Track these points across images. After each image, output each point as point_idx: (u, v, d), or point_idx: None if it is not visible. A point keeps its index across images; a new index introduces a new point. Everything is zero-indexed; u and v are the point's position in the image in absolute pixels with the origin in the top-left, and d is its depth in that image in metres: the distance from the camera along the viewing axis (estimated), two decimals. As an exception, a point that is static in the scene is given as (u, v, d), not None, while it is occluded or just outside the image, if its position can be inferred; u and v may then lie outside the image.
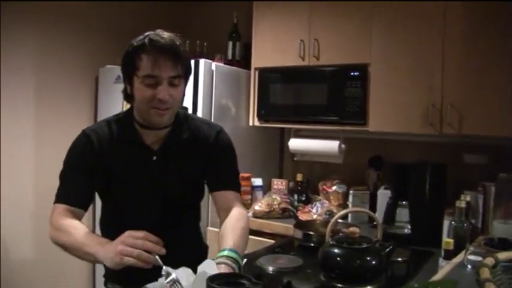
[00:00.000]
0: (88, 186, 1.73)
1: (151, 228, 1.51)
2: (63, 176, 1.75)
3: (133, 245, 1.41)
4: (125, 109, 2.23)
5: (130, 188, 1.76)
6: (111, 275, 1.88)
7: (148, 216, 1.73)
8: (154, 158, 1.77)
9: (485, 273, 1.06)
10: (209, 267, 1.45)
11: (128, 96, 1.74)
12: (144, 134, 1.76)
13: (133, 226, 1.50)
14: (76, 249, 1.58)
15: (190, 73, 1.74)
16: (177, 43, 1.66)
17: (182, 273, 1.43)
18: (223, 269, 1.50)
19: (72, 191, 1.71)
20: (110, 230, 1.70)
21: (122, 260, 1.40)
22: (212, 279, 1.24)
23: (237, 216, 1.79)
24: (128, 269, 1.53)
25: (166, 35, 1.65)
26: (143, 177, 1.76)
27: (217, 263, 1.53)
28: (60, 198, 1.72)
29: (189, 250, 1.69)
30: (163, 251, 1.43)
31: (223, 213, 1.84)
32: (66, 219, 1.65)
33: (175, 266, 1.43)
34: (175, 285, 1.39)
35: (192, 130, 1.84)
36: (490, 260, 1.14)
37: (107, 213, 1.78)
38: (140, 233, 1.44)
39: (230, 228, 1.73)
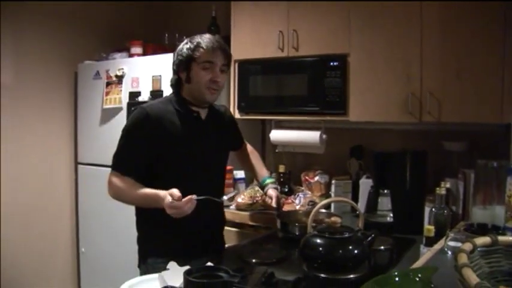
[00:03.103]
0: (144, 158, 2.08)
1: (208, 186, 2.07)
2: (122, 146, 2.10)
3: (174, 207, 1.87)
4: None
5: (189, 150, 2.13)
6: (155, 249, 2.15)
7: (201, 176, 2.14)
8: (205, 126, 2.21)
9: (463, 258, 1.07)
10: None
11: (178, 83, 2.17)
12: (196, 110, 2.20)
13: (194, 185, 1.98)
14: (139, 204, 2.14)
15: (231, 63, 2.25)
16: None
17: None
18: (275, 191, 2.45)
19: (129, 163, 2.08)
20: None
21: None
22: (189, 272, 1.24)
23: (252, 150, 2.69)
24: (174, 245, 2.06)
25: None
26: (199, 141, 2.17)
27: (270, 187, 2.47)
28: (118, 167, 2.09)
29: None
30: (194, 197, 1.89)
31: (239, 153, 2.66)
32: (121, 183, 2.05)
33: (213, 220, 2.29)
34: None
35: (217, 109, 2.37)
36: (468, 246, 1.15)
37: (164, 175, 2.10)
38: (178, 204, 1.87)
39: (255, 159, 2.66)
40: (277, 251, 2.01)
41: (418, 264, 1.63)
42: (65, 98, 3.64)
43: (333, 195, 3.11)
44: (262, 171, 2.61)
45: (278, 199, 2.42)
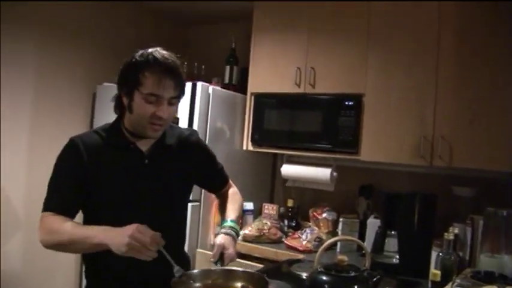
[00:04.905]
0: (76, 193, 1.74)
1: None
2: (51, 183, 1.77)
3: (142, 242, 1.49)
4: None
5: (122, 191, 1.78)
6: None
7: (139, 220, 1.64)
8: (146, 161, 1.82)
9: (470, 305, 1.08)
10: None
11: (121, 107, 1.81)
12: (134, 141, 1.83)
13: None
14: (77, 243, 1.62)
15: (185, 92, 1.83)
16: (179, 64, 1.75)
17: None
18: (224, 238, 1.84)
19: (60, 199, 1.73)
20: None
21: (128, 252, 1.49)
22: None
23: (234, 191, 2.16)
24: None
25: (168, 54, 1.74)
26: (135, 180, 1.80)
27: (222, 232, 1.88)
28: (48, 206, 1.72)
29: (175, 255, 1.68)
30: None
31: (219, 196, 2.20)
32: (56, 222, 1.67)
33: (160, 269, 1.61)
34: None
35: (177, 137, 1.94)
36: (474, 293, 1.16)
37: (95, 221, 1.72)
38: (148, 233, 1.52)
39: (230, 201, 2.09)
40: (283, 286, 2.01)
41: (423, 308, 1.64)
42: (82, 119, 3.68)
43: (340, 233, 3.10)
44: (230, 213, 2.04)
45: (222, 250, 1.83)
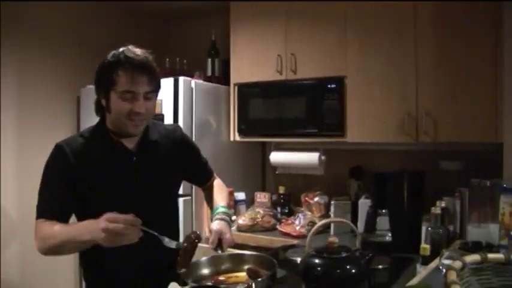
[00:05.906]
0: (67, 197, 1.76)
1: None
2: (41, 191, 1.79)
3: (116, 229, 1.50)
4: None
5: (113, 191, 1.81)
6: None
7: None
8: (134, 158, 1.86)
9: (452, 275, 1.11)
10: None
11: (101, 109, 1.83)
12: (119, 140, 1.86)
13: None
14: (68, 244, 1.65)
15: (160, 86, 1.85)
16: (150, 59, 1.77)
17: None
18: (220, 224, 1.89)
19: (51, 205, 1.75)
20: None
21: (109, 243, 1.50)
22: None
23: (219, 182, 2.23)
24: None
25: (139, 51, 1.76)
26: (125, 179, 1.83)
27: (216, 219, 1.92)
28: (40, 213, 1.74)
29: (170, 249, 1.71)
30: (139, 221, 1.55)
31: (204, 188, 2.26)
32: (47, 228, 1.69)
33: (154, 264, 1.65)
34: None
35: (160, 133, 1.98)
36: (457, 264, 1.19)
37: None
38: (119, 218, 1.52)
39: (217, 190, 2.16)
40: (278, 272, 2.03)
41: (412, 282, 1.67)
42: (69, 123, 3.68)
43: (332, 215, 3.13)
44: (219, 201, 2.11)
45: (219, 235, 1.87)
